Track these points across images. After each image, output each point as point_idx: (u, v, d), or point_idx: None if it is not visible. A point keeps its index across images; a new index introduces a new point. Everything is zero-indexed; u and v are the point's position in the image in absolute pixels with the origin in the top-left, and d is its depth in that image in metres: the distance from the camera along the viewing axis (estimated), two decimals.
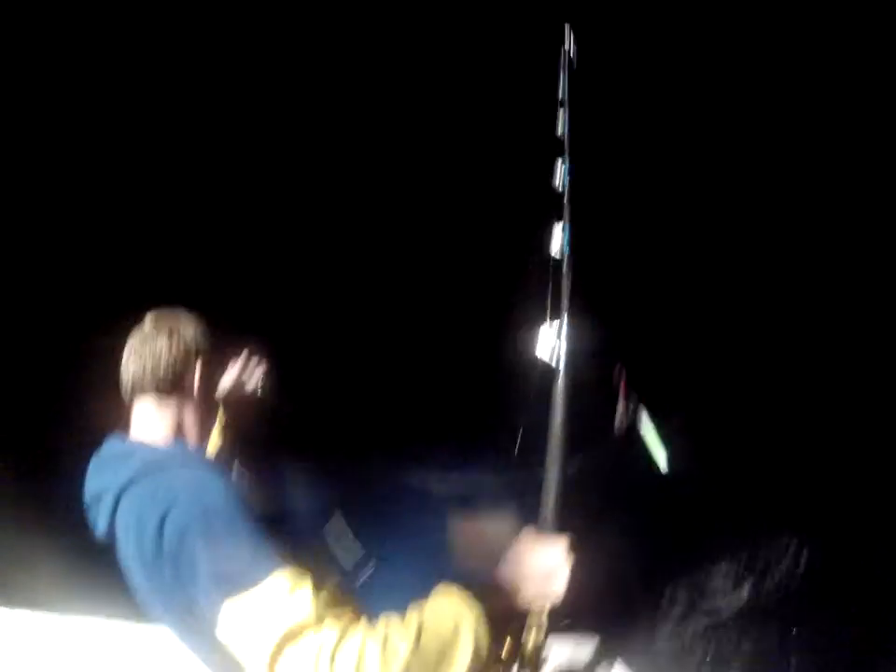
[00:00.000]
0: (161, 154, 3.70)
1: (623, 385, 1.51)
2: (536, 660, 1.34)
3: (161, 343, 1.36)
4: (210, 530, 1.12)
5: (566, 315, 1.48)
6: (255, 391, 1.83)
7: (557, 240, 1.68)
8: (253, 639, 1.05)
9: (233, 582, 1.07)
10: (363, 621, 1.07)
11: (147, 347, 1.36)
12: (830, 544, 3.26)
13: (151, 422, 1.36)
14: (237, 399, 1.82)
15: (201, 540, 1.11)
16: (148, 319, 1.42)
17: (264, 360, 1.89)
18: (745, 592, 3.17)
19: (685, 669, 2.97)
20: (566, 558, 1.23)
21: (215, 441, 1.74)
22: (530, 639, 1.32)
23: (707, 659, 2.96)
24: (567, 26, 2.09)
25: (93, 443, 1.38)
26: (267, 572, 1.07)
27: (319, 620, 1.03)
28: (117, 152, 3.70)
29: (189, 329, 1.40)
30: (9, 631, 2.29)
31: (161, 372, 1.35)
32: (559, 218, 1.70)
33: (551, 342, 1.44)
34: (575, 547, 1.25)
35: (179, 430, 1.37)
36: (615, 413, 1.48)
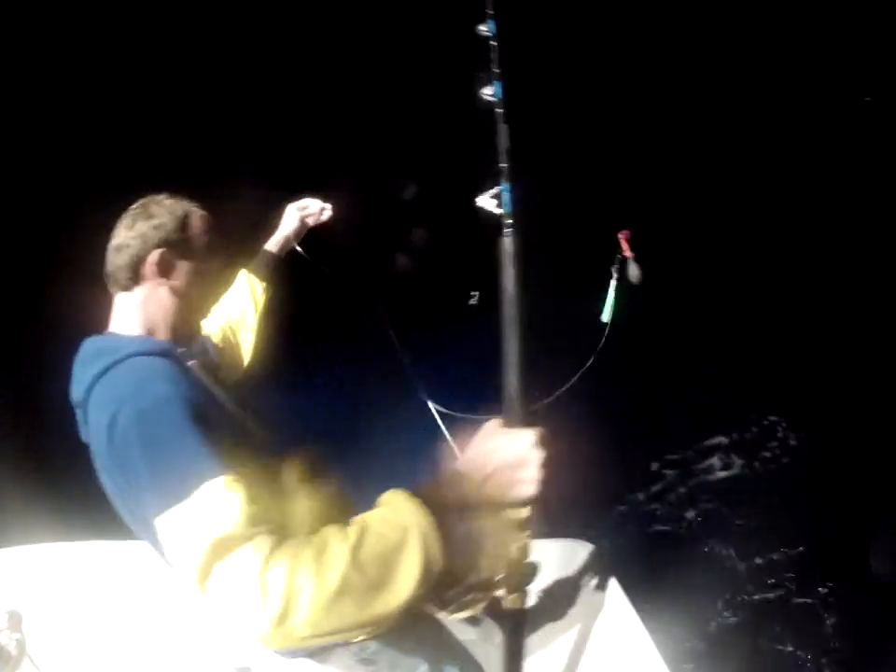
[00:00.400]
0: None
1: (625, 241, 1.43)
2: (521, 572, 1.12)
3: (121, 234, 1.33)
4: (146, 435, 1.06)
5: (506, 167, 1.22)
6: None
7: (489, 89, 1.43)
8: (184, 556, 0.97)
9: (167, 493, 1.00)
10: (302, 533, 0.96)
11: (112, 239, 1.35)
12: (816, 428, 3.20)
13: (122, 317, 1.33)
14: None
15: (139, 446, 1.05)
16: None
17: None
18: (735, 470, 3.09)
19: (675, 550, 2.91)
20: (538, 445, 1.02)
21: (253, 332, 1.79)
22: (513, 549, 1.10)
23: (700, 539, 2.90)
24: None
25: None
26: (199, 482, 0.99)
27: (249, 533, 0.95)
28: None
29: (153, 217, 1.33)
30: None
31: (116, 265, 1.32)
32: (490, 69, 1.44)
33: (495, 195, 1.18)
34: (549, 439, 1.02)
35: (151, 326, 1.32)
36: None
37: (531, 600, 1.20)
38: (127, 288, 1.32)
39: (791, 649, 2.63)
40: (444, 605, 1.27)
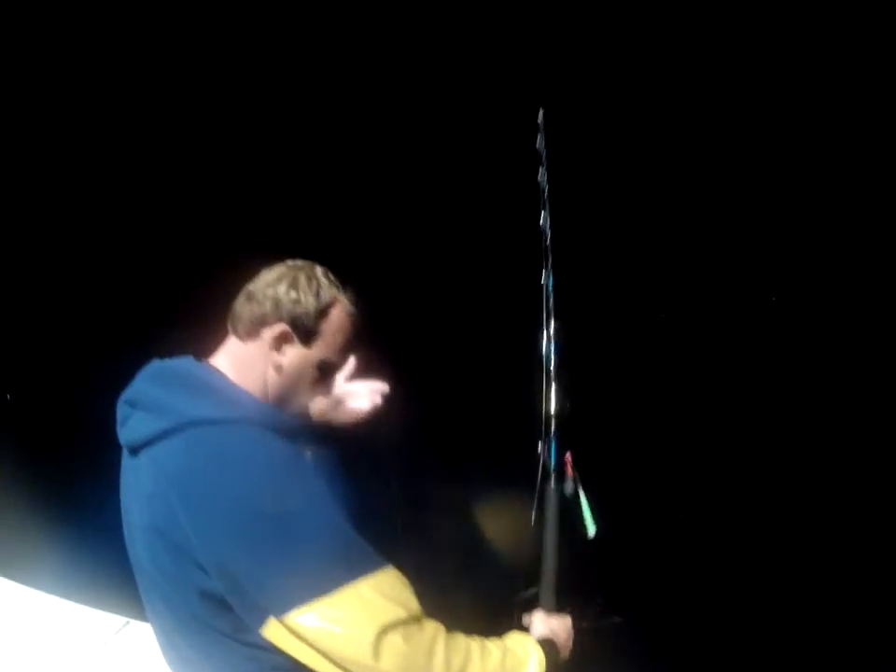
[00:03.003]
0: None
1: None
2: None
3: (260, 283, 1.29)
4: (282, 530, 1.03)
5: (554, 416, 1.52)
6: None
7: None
8: (347, 637, 1.01)
9: (308, 588, 1.02)
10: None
11: (252, 282, 1.31)
12: None
13: (229, 359, 1.27)
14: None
15: (268, 537, 1.02)
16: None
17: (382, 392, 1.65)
18: None
19: None
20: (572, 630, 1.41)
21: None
22: None
23: None
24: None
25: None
26: (362, 572, 1.05)
27: (419, 617, 1.08)
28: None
29: (297, 289, 1.26)
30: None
31: (240, 311, 1.28)
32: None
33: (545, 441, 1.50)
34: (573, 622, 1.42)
35: (257, 387, 1.25)
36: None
37: None
38: (240, 338, 1.27)
39: None
40: None
